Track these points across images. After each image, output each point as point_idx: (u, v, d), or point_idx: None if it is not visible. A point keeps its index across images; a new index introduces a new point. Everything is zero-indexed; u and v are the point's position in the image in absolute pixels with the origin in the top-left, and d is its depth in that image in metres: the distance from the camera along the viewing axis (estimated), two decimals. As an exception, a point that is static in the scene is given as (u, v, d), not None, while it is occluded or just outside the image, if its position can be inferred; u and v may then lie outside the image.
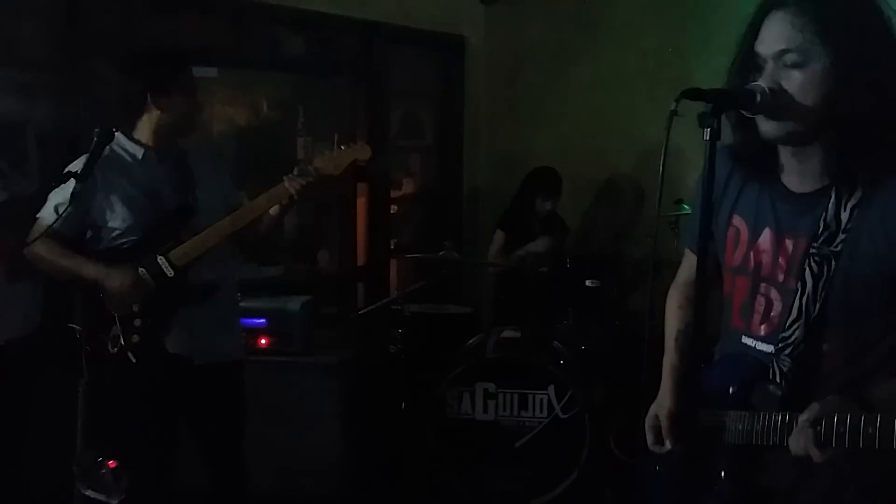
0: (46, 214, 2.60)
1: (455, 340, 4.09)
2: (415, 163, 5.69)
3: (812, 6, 1.45)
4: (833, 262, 1.50)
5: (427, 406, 3.73)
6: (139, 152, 2.66)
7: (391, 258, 5.17)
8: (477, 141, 5.52)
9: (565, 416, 3.62)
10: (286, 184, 2.66)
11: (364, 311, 4.27)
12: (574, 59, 5.04)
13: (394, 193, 5.35)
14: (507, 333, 3.99)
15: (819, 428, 1.37)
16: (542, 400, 3.65)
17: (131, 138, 2.66)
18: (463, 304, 4.63)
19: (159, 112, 2.63)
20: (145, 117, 2.65)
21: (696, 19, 4.28)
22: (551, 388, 3.64)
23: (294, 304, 3.75)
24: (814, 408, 1.39)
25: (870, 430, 1.30)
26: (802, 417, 1.40)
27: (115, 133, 2.62)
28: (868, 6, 1.47)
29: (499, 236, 4.65)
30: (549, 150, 5.05)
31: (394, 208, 5.34)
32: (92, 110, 3.60)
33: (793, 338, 1.54)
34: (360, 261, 5.12)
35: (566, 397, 3.62)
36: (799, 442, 1.40)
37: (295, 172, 2.67)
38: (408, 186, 5.59)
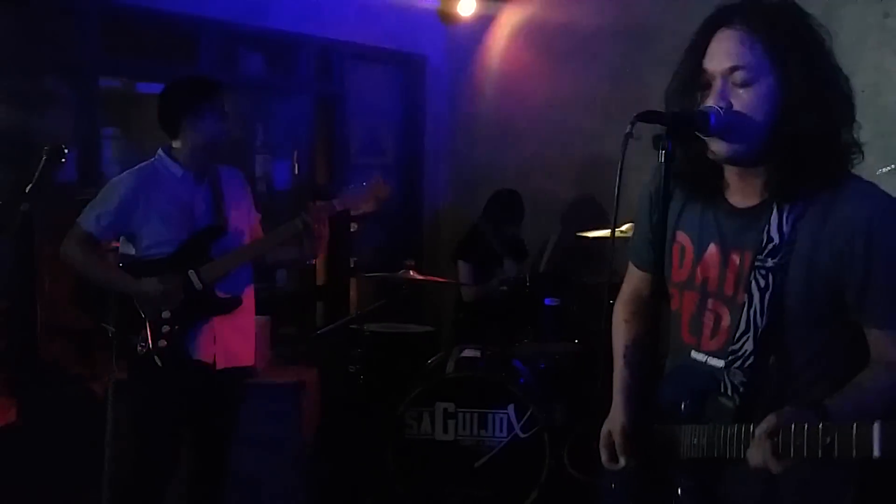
0: (85, 221, 2.79)
1: (415, 360, 4.07)
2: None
3: (760, 24, 1.48)
4: (778, 275, 1.51)
5: (386, 426, 3.70)
6: (179, 172, 2.87)
7: (351, 277, 5.14)
8: (438, 160, 5.53)
9: (525, 435, 3.61)
10: (297, 220, 2.92)
11: (323, 330, 4.23)
12: (533, 79, 5.08)
13: (353, 212, 5.32)
14: (467, 353, 3.97)
15: (776, 439, 1.36)
16: (501, 419, 3.64)
17: (172, 157, 2.88)
18: (423, 324, 4.61)
19: (193, 133, 2.83)
20: (180, 138, 2.86)
21: (653, 40, 4.34)
22: (511, 408, 3.63)
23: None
24: (770, 419, 1.39)
25: (827, 440, 1.30)
26: (759, 429, 1.40)
27: (159, 151, 2.87)
28: (808, 25, 1.51)
29: (463, 267, 4.55)
30: (510, 168, 5.08)
31: (353, 227, 5.31)
32: (43, 125, 3.54)
33: (742, 351, 1.55)
34: (320, 280, 5.09)
35: (526, 416, 3.61)
36: (756, 454, 1.39)
37: (304, 212, 2.93)
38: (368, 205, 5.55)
